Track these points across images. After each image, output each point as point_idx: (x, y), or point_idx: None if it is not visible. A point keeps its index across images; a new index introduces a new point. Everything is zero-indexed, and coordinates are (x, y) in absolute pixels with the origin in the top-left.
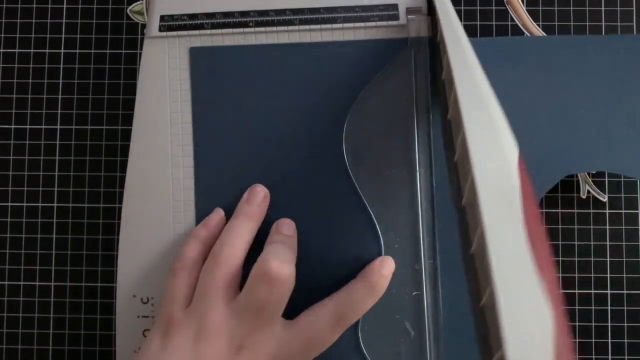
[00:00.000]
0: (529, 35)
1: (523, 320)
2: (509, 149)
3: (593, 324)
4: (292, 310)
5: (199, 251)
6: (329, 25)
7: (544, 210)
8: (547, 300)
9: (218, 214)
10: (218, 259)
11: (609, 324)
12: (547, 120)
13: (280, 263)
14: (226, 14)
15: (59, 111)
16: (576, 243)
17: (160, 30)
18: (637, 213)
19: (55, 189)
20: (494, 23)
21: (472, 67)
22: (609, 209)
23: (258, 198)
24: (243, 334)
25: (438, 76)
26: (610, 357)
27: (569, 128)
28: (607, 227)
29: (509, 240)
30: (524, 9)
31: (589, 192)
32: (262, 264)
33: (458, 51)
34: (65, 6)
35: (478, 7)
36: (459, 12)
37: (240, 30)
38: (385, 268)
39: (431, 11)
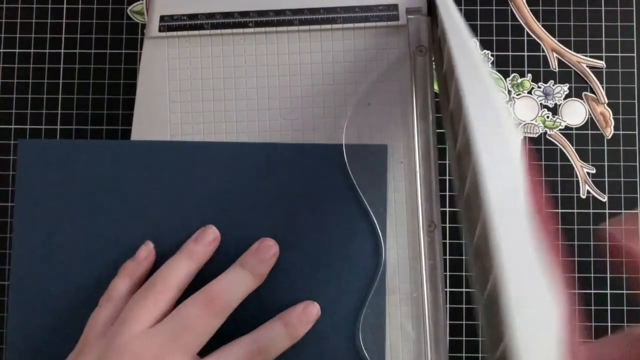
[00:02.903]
0: (530, 33)
1: (528, 306)
2: (513, 135)
3: (593, 323)
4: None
5: (126, 284)
6: (328, 26)
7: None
8: (552, 285)
9: (147, 246)
10: (148, 291)
11: (609, 324)
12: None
13: (227, 290)
14: (226, 14)
15: (59, 111)
16: (576, 243)
17: (160, 30)
18: (637, 213)
19: None
20: (494, 23)
21: (473, 54)
22: (609, 209)
23: (207, 238)
24: (147, 358)
25: (438, 71)
26: None
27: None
28: (607, 227)
29: (513, 226)
30: (528, 8)
31: (589, 192)
32: (208, 286)
33: (459, 41)
34: (65, 6)
35: (478, 7)
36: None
37: (240, 30)
38: (307, 314)
39: (431, 11)
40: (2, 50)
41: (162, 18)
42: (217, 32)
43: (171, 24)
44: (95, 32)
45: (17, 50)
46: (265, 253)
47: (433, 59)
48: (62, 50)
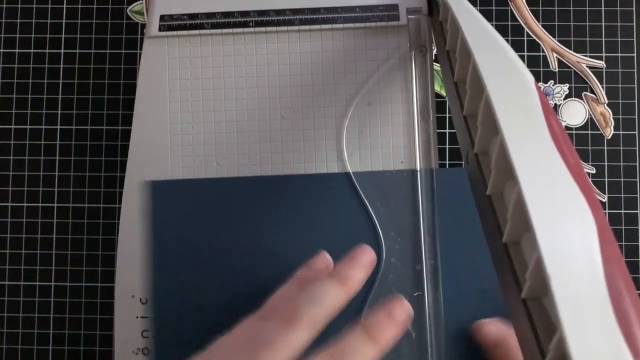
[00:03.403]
0: (530, 33)
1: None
2: (525, 72)
3: None
4: None
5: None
6: (329, 26)
7: None
8: (586, 205)
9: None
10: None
11: None
12: None
13: (308, 301)
14: (226, 14)
15: (59, 111)
16: None
17: (160, 30)
18: (637, 213)
19: (56, 189)
20: (494, 23)
21: (479, 19)
22: (609, 209)
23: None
24: None
25: (442, 51)
26: None
27: None
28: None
29: (532, 146)
30: (528, 8)
31: None
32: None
33: (464, 12)
34: (65, 6)
35: (478, 7)
36: None
37: (240, 30)
38: (396, 316)
39: (431, 11)
40: (2, 50)
41: (162, 18)
42: (217, 31)
43: (171, 23)
44: (95, 32)
45: (17, 51)
46: (357, 260)
47: (435, 43)
48: (62, 50)
